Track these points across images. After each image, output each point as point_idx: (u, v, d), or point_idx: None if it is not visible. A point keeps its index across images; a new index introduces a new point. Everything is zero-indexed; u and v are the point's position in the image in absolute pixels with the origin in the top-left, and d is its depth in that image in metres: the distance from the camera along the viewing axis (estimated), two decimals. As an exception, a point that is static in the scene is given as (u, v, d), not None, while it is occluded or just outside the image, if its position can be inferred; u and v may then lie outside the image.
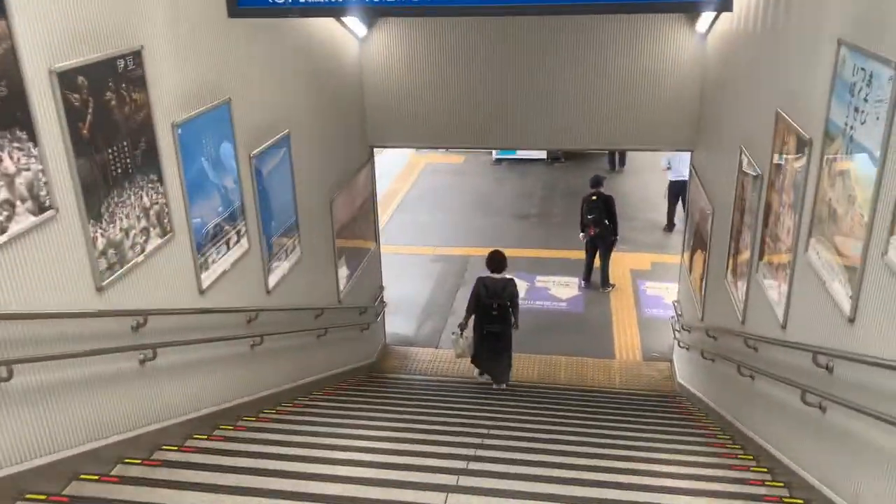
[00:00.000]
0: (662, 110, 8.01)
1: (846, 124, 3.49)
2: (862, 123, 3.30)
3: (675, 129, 8.10)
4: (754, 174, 5.26)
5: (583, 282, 11.34)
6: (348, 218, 8.01)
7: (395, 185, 15.95)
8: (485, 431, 5.69)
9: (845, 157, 3.49)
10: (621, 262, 11.60)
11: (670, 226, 13.26)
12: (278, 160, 6.02)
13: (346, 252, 8.01)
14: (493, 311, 7.61)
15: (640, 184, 15.56)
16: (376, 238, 9.25)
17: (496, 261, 7.77)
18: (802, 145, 4.14)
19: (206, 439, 4.82)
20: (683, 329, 8.14)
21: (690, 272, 8.06)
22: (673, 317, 8.96)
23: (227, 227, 5.12)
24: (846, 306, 3.42)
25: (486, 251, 12.65)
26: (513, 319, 7.77)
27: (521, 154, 16.86)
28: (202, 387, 4.92)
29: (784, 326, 4.44)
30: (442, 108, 8.40)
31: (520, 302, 9.80)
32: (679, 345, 8.30)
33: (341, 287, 7.75)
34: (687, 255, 8.55)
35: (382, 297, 9.51)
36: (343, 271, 7.85)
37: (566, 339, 9.84)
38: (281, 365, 6.29)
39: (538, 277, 11.54)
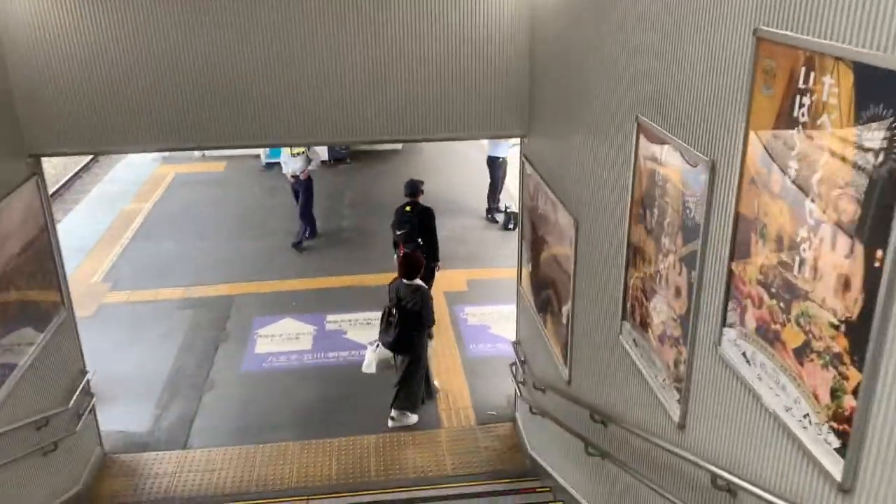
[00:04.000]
0: (474, 84, 5.54)
1: None
2: None
3: (494, 109, 5.66)
4: (692, 164, 2.87)
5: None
6: (-10, 279, 4.70)
7: (133, 205, 12.32)
8: None
9: None
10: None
11: (489, 212, 11.55)
12: None
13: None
14: (390, 318, 6.69)
15: (446, 169, 13.23)
16: (63, 298, 5.91)
17: (404, 265, 6.83)
18: (869, 97, 1.75)
19: None
20: (535, 387, 5.77)
21: (540, 311, 5.67)
22: (514, 364, 6.59)
23: None
24: None
25: (256, 286, 9.89)
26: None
27: (296, 156, 13.93)
28: None
29: (846, 490, 2.05)
30: (152, 96, 5.32)
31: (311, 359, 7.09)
32: (531, 410, 5.90)
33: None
34: (526, 279, 6.20)
35: (87, 386, 6.19)
36: (-17, 373, 4.54)
37: (374, 407, 7.13)
38: None
39: (328, 318, 8.72)
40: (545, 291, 5.49)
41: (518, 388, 6.45)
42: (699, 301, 2.90)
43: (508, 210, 11.11)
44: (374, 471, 6.30)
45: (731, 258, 2.61)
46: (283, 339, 8.29)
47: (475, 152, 14.49)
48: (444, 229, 10.51)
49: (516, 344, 6.62)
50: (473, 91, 5.58)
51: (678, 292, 3.08)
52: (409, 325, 6.63)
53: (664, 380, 3.29)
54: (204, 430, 6.83)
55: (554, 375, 5.26)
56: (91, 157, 16.58)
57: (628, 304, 3.69)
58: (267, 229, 11.15)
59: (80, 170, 15.87)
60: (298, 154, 10.39)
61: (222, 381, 7.54)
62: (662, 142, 3.14)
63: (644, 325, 3.49)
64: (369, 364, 6.86)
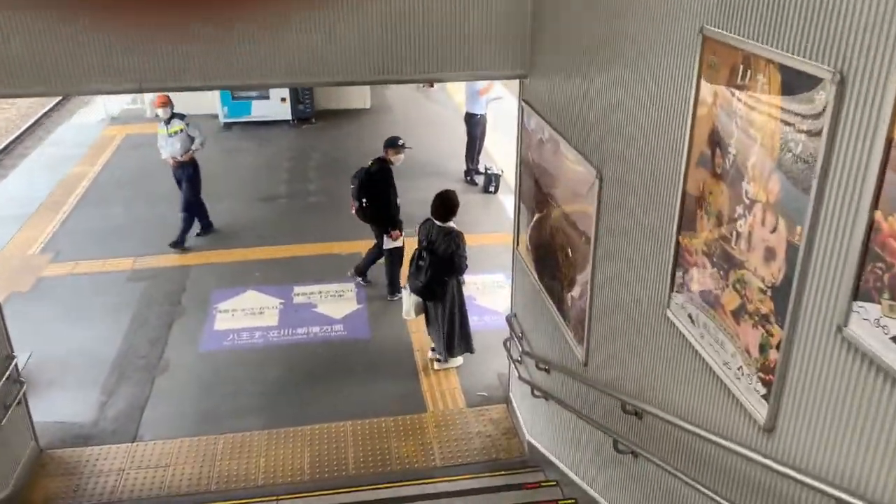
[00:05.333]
0: (456, 12, 4.66)
1: None
2: None
3: (484, 44, 4.78)
4: (801, 80, 2.11)
5: (357, 276, 7.97)
6: None
7: (78, 168, 11.25)
8: None
9: None
10: (407, 252, 8.32)
11: (467, 174, 10.65)
12: None
13: None
14: (419, 261, 6.33)
15: (418, 128, 12.30)
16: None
17: (438, 206, 6.35)
18: None
19: None
20: (539, 367, 5.04)
21: (545, 280, 4.92)
22: (508, 339, 5.87)
23: None
24: None
25: (215, 256, 8.99)
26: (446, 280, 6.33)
27: (256, 115, 12.95)
28: None
29: None
30: (64, 30, 4.39)
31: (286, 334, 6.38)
32: (533, 393, 5.19)
33: None
34: (525, 244, 5.44)
35: (16, 372, 5.32)
36: None
37: (351, 388, 6.39)
38: None
39: (296, 290, 7.90)
40: (552, 257, 4.74)
41: (514, 366, 5.75)
42: (807, 266, 2.16)
43: (489, 171, 10.31)
44: (353, 463, 5.56)
45: (876, 205, 1.88)
46: (246, 315, 7.45)
47: (447, 111, 13.69)
48: (419, 192, 9.69)
49: (512, 317, 5.88)
50: (454, 23, 4.69)
51: (770, 255, 2.34)
52: (440, 270, 6.24)
53: (740, 368, 2.57)
54: (157, 420, 6.00)
55: (565, 355, 4.54)
56: (35, 119, 15.39)
57: (681, 272, 2.95)
58: (225, 193, 10.19)
59: (23, 133, 14.64)
60: (176, 133, 8.52)
61: (178, 362, 6.69)
62: (747, 57, 2.37)
63: (708, 298, 2.75)
64: (408, 310, 6.63)
